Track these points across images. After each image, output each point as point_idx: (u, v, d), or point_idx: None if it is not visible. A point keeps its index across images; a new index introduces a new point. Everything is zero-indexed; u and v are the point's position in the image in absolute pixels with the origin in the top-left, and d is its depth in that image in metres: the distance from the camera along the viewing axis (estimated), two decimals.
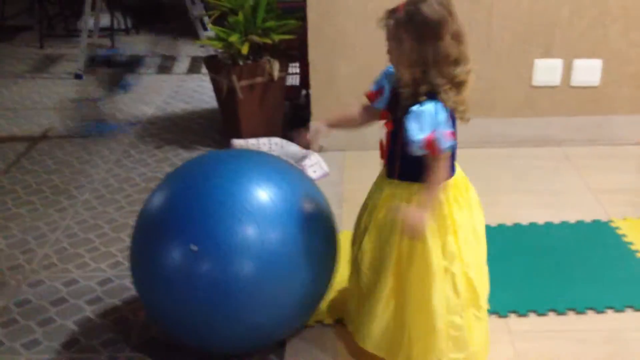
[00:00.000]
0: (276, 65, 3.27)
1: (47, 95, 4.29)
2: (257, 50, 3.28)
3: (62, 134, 3.70)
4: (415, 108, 1.66)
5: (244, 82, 3.24)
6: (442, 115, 1.65)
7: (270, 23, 3.24)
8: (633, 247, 2.47)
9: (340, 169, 3.16)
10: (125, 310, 2.24)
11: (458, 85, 1.67)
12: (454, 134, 1.70)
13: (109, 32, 5.27)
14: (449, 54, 1.63)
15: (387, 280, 1.82)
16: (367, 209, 1.92)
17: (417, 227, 1.70)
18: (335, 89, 3.26)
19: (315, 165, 3.11)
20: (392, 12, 1.68)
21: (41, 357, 2.05)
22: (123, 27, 5.61)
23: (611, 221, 2.64)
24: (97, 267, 2.48)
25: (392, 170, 1.83)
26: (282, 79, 3.40)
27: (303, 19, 3.25)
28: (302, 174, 2.10)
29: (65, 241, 2.66)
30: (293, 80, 3.78)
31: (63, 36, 5.54)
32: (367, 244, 1.88)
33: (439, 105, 1.65)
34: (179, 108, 4.04)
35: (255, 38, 3.19)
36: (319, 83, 3.26)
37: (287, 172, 2.00)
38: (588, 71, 3.21)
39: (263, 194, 1.84)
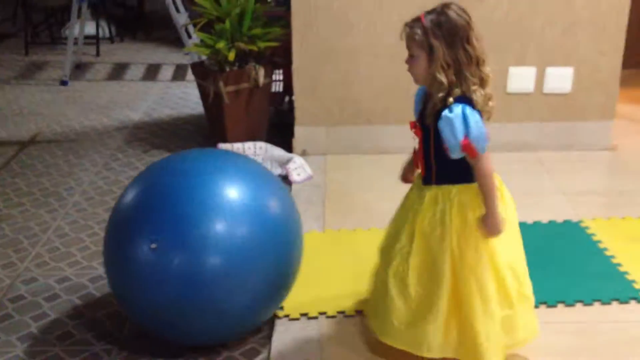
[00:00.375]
0: (261, 72, 3.38)
1: (34, 102, 4.36)
2: (243, 57, 3.39)
3: (50, 138, 3.77)
4: (446, 113, 1.75)
5: (230, 88, 3.34)
6: (475, 117, 1.75)
7: (256, 30, 3.35)
8: (601, 246, 2.60)
9: (322, 171, 3.27)
10: (117, 305, 2.32)
11: (485, 83, 1.80)
12: (488, 136, 1.78)
13: (94, 40, 5.35)
14: (477, 55, 1.76)
15: (446, 288, 1.86)
16: (406, 220, 1.94)
17: (498, 231, 1.80)
18: (319, 94, 3.37)
19: (299, 169, 3.22)
20: (414, 23, 1.78)
21: (36, 349, 2.13)
22: (107, 35, 5.68)
23: (581, 221, 2.77)
24: (88, 265, 2.57)
25: (428, 176, 1.90)
26: (267, 84, 3.51)
27: (287, 26, 3.36)
28: (271, 175, 2.20)
29: (57, 241, 2.74)
30: (276, 87, 3.89)
31: (47, 44, 5.61)
32: (415, 257, 1.91)
33: (468, 108, 1.75)
34: (165, 114, 4.13)
35: (242, 45, 3.30)
36: (303, 89, 3.37)
37: (257, 173, 2.10)
38: (560, 79, 3.35)
39: (232, 192, 1.95)
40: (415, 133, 1.89)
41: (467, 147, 1.74)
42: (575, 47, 3.31)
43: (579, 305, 2.28)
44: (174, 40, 5.58)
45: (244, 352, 2.10)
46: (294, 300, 2.24)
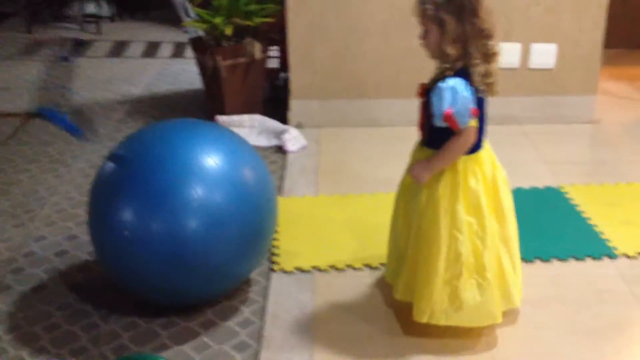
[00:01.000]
0: (258, 47, 3.52)
1: (38, 77, 4.49)
2: (240, 33, 3.53)
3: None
4: (439, 83, 1.86)
5: (227, 62, 3.48)
6: (465, 92, 1.83)
7: (252, 6, 3.49)
8: (579, 209, 2.76)
9: (317, 143, 3.41)
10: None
11: (490, 57, 1.88)
12: (476, 111, 1.87)
13: (94, 19, 5.48)
14: (484, 29, 1.85)
15: (412, 240, 2.02)
16: (403, 177, 2.12)
17: (419, 174, 1.94)
18: (313, 69, 3.52)
19: (294, 139, 3.37)
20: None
21: (49, 299, 2.29)
22: (107, 14, 5.80)
23: (561, 187, 2.93)
24: None
25: (423, 138, 2.02)
26: (263, 59, 3.65)
27: (282, 3, 3.50)
28: (245, 143, 2.27)
29: (64, 203, 2.89)
30: (273, 63, 4.03)
31: (49, 22, 5.73)
32: (400, 205, 2.11)
33: (462, 82, 1.84)
34: (164, 89, 4.27)
35: (238, 20, 3.44)
36: (297, 63, 3.52)
37: (232, 141, 2.19)
38: (544, 55, 3.50)
39: (210, 159, 2.05)
40: (420, 94, 1.99)
41: (448, 118, 1.84)
42: (558, 25, 3.46)
43: (554, 261, 2.44)
44: (172, 19, 5.68)
45: (242, 300, 2.26)
46: (289, 255, 2.41)
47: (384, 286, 2.30)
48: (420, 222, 1.99)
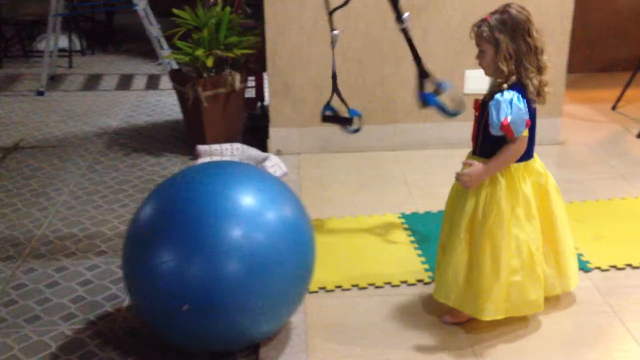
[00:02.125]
0: (237, 77, 3.62)
1: (13, 111, 4.52)
2: (219, 64, 3.62)
3: (33, 144, 3.94)
4: (497, 96, 2.06)
5: (208, 93, 3.57)
6: (520, 104, 2.04)
7: (232, 39, 3.59)
8: None
9: (296, 168, 3.51)
10: (114, 289, 2.52)
11: (542, 70, 2.09)
12: (529, 121, 2.07)
13: (66, 52, 5.52)
14: (537, 46, 2.07)
15: (460, 238, 2.16)
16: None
17: (471, 178, 2.11)
18: (291, 97, 3.62)
19: (275, 166, 3.45)
20: (482, 22, 2.09)
21: (43, 329, 2.31)
22: (79, 48, 5.85)
23: None
24: (84, 256, 2.75)
25: (475, 147, 2.22)
26: (242, 89, 3.75)
27: (261, 35, 3.61)
28: (281, 182, 2.24)
29: (51, 235, 2.92)
30: (249, 92, 4.13)
31: (20, 57, 5.75)
32: (448, 208, 2.27)
33: (518, 95, 2.04)
34: (142, 120, 4.33)
35: (219, 52, 3.53)
36: (276, 93, 3.61)
37: (267, 180, 2.16)
38: None
39: (247, 198, 2.01)
40: (475, 108, 2.19)
41: (505, 127, 2.05)
42: None
43: None
44: (144, 52, 5.80)
45: None
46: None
47: (375, 304, 2.39)
48: (483, 223, 2.13)
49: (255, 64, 3.92)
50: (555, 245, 2.27)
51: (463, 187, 2.15)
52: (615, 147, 3.76)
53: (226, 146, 3.63)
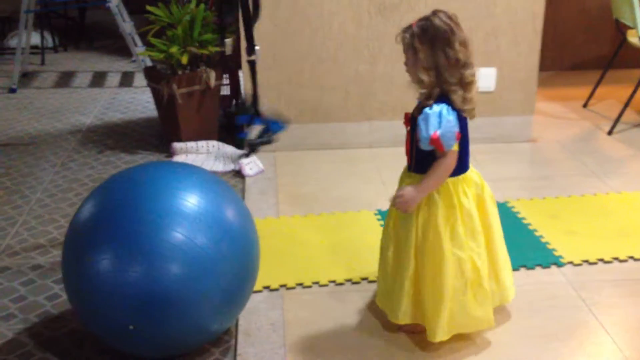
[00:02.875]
0: (212, 74, 3.61)
1: None
2: (194, 61, 3.61)
3: (6, 142, 3.90)
4: (426, 110, 1.98)
5: (182, 90, 3.56)
6: (450, 117, 1.96)
7: (207, 36, 3.58)
8: (525, 222, 2.93)
9: (273, 166, 3.51)
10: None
11: (466, 85, 1.99)
12: (459, 134, 2.00)
13: (38, 49, 5.46)
14: (458, 59, 1.97)
15: (409, 264, 2.10)
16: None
17: (406, 203, 2.03)
18: (267, 95, 3.61)
19: (251, 164, 3.46)
20: (407, 29, 2.02)
21: (18, 327, 2.29)
22: (51, 45, 5.78)
23: (507, 202, 3.11)
24: (59, 254, 2.72)
25: (410, 164, 2.12)
26: (218, 87, 3.74)
27: (236, 32, 3.61)
28: (226, 184, 2.24)
29: (25, 233, 2.89)
30: (225, 90, 4.11)
31: None
32: (391, 231, 2.17)
33: (447, 108, 1.96)
34: (116, 117, 4.30)
35: (194, 49, 3.52)
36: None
37: (212, 182, 2.13)
38: (485, 78, 3.70)
39: (190, 200, 1.97)
40: (405, 124, 2.11)
41: (435, 141, 1.96)
42: (497, 50, 3.67)
43: None
44: (117, 49, 5.76)
45: None
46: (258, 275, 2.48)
47: (352, 300, 2.40)
48: (422, 248, 2.08)
49: (230, 62, 3.92)
50: (493, 256, 2.21)
51: (401, 211, 2.08)
52: (587, 144, 3.83)
53: (202, 143, 3.63)
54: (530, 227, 2.88)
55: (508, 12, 3.60)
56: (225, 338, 2.23)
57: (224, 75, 3.97)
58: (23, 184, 3.36)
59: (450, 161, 2.02)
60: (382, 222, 2.94)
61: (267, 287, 2.48)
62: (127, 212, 1.94)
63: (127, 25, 4.83)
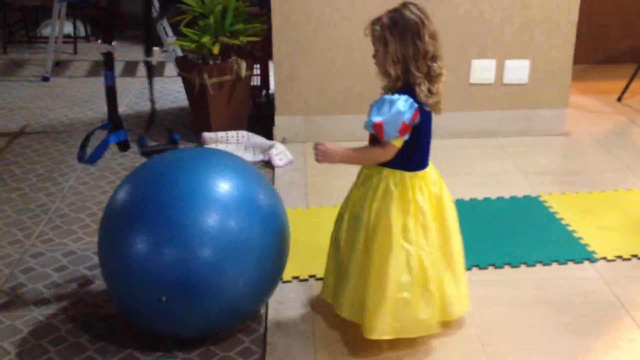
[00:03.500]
0: (243, 65, 3.62)
1: (18, 96, 4.52)
2: (226, 51, 3.62)
3: (39, 129, 3.95)
4: (385, 95, 1.96)
5: (213, 80, 3.57)
6: (402, 109, 1.90)
7: (239, 26, 3.58)
8: (558, 216, 2.90)
9: (302, 157, 3.51)
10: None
11: (433, 78, 1.96)
12: (409, 128, 1.93)
13: (71, 39, 5.51)
14: (427, 51, 1.94)
15: (358, 256, 2.07)
16: (349, 192, 2.16)
17: (324, 154, 2.03)
18: (297, 86, 3.62)
19: (280, 154, 3.46)
20: (376, 20, 2.00)
21: (52, 312, 2.33)
22: (83, 34, 5.84)
23: (539, 196, 3.07)
24: (91, 241, 2.76)
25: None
26: (248, 77, 3.75)
27: (267, 23, 3.60)
28: (254, 169, 2.26)
29: (58, 220, 2.93)
30: (255, 80, 4.12)
31: (24, 42, 5.74)
32: (345, 224, 2.13)
33: (406, 99, 1.92)
34: (147, 107, 4.30)
35: (225, 39, 3.53)
36: (282, 81, 3.61)
37: (243, 167, 2.17)
38: (518, 70, 3.66)
39: (223, 185, 2.01)
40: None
41: (377, 127, 1.93)
42: (531, 42, 3.62)
43: (539, 266, 2.56)
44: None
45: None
46: (288, 265, 2.49)
47: None
48: (372, 236, 2.03)
49: (261, 52, 3.92)
50: (451, 259, 2.14)
51: (315, 158, 2.06)
52: (621, 138, 3.77)
53: (232, 133, 3.64)
54: (563, 222, 2.85)
55: (543, 4, 3.55)
56: (255, 327, 2.24)
57: (255, 66, 3.98)
58: (56, 171, 3.40)
59: (384, 153, 1.98)
60: None
61: (296, 277, 2.49)
62: (162, 196, 1.98)
63: (159, 15, 4.84)
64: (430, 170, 2.09)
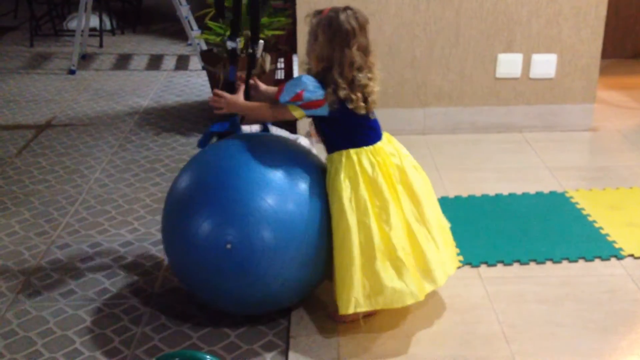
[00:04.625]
0: (268, 59, 3.61)
1: (45, 89, 4.56)
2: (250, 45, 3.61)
3: (66, 122, 3.99)
4: None
5: (238, 74, 3.56)
6: (305, 80, 2.01)
7: (264, 19, 3.58)
8: (585, 212, 2.86)
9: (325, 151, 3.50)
10: (148, 266, 2.55)
11: (357, 87, 2.03)
12: (309, 104, 2.03)
13: (97, 32, 5.55)
14: (353, 61, 2.00)
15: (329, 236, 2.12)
16: None
17: (223, 99, 2.20)
18: None
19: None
20: (317, 13, 2.04)
21: (78, 303, 2.35)
22: (109, 28, 5.88)
23: (566, 192, 3.04)
24: (117, 233, 2.78)
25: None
26: (273, 71, 3.74)
27: (291, 16, 3.60)
28: (309, 154, 2.33)
29: (84, 212, 2.96)
30: (279, 74, 4.12)
31: (50, 35, 5.80)
32: None
33: (315, 82, 2.01)
34: (172, 100, 4.35)
35: (250, 33, 3.52)
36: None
37: (298, 153, 2.26)
38: (545, 65, 3.62)
39: (279, 171, 2.09)
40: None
41: (279, 87, 2.08)
42: (558, 36, 3.58)
43: (565, 262, 2.54)
44: (173, 33, 5.83)
45: None
46: None
47: None
48: (331, 210, 2.09)
49: (285, 45, 3.92)
50: (425, 223, 2.15)
51: (211, 105, 2.23)
52: None
53: (256, 127, 3.63)
54: (590, 219, 2.81)
55: None
56: (279, 320, 2.24)
57: (279, 60, 3.97)
58: (82, 163, 3.43)
59: (273, 111, 2.13)
60: None
61: None
62: (222, 181, 2.08)
63: (183, 9, 4.87)
64: (385, 143, 2.15)
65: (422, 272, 2.13)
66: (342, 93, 2.01)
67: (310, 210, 2.09)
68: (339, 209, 2.07)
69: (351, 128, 2.10)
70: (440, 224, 2.25)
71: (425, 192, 2.20)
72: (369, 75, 2.05)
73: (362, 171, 2.07)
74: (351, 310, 2.07)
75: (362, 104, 2.06)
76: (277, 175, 2.09)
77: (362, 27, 2.02)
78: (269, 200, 2.04)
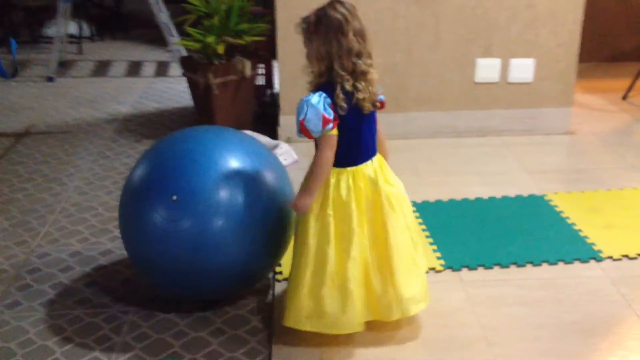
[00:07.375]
0: (248, 64, 3.62)
1: (23, 97, 4.53)
2: (230, 51, 3.62)
3: (44, 130, 3.95)
4: (303, 97, 1.99)
5: (218, 80, 3.57)
6: (317, 104, 1.94)
7: (243, 26, 3.58)
8: (564, 215, 2.89)
9: (307, 157, 3.47)
10: (129, 274, 2.54)
11: (359, 75, 1.97)
12: (329, 120, 1.94)
13: (76, 39, 5.52)
14: (351, 48, 1.95)
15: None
16: None
17: (299, 206, 2.04)
18: (302, 85, 3.60)
19: (285, 154, 3.46)
20: (305, 17, 2.01)
21: (57, 313, 2.33)
22: (87, 34, 5.85)
23: (545, 195, 3.07)
24: (97, 241, 2.77)
25: None
26: (253, 77, 3.75)
27: (271, 22, 3.60)
28: (265, 148, 2.40)
29: (64, 221, 2.93)
30: (259, 80, 4.12)
31: (28, 42, 5.75)
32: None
33: (320, 94, 1.95)
34: (152, 107, 4.34)
35: (230, 39, 3.53)
36: (287, 80, 3.61)
37: (254, 146, 2.32)
38: (523, 69, 3.66)
39: (234, 162, 2.16)
40: None
41: (301, 127, 1.97)
42: (536, 40, 3.61)
43: (545, 265, 2.56)
44: (153, 39, 5.80)
45: (251, 310, 2.33)
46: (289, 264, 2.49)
47: None
48: (295, 227, 2.12)
49: (265, 51, 3.92)
50: (389, 262, 2.07)
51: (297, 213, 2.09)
52: (626, 137, 3.76)
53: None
54: (569, 221, 2.84)
55: (548, 2, 3.54)
56: (260, 327, 2.24)
57: (259, 65, 3.98)
58: (61, 171, 3.41)
59: (325, 149, 1.99)
60: (417, 214, 2.92)
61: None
62: (178, 171, 2.13)
63: (163, 15, 4.86)
64: (368, 166, 2.06)
65: (367, 305, 2.10)
66: (347, 85, 1.95)
67: (261, 199, 2.17)
68: (304, 226, 2.05)
69: (343, 146, 2.02)
70: (408, 264, 2.11)
71: (396, 230, 2.07)
72: (368, 61, 1.99)
73: (336, 194, 2.02)
74: (293, 325, 2.10)
75: (368, 95, 1.99)
76: (231, 167, 2.16)
77: (352, 12, 1.98)
78: (223, 190, 2.11)
